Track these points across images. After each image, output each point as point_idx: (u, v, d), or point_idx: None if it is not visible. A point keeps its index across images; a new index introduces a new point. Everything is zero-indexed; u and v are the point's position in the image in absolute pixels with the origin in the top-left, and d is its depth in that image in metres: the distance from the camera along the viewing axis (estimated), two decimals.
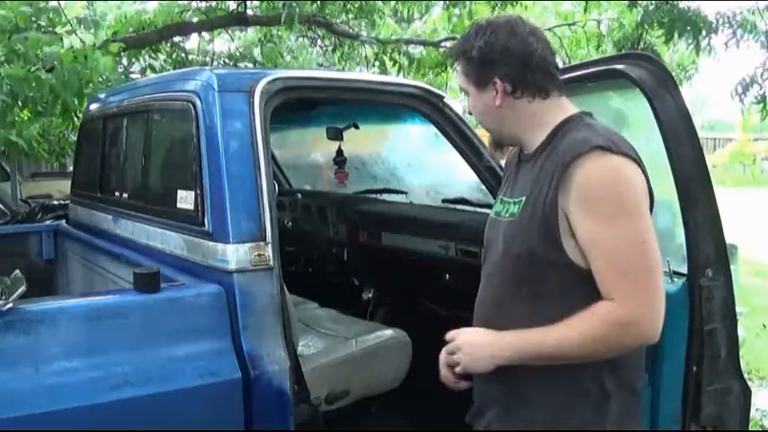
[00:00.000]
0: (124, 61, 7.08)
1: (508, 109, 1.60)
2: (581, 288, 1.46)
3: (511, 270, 1.56)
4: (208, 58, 8.78)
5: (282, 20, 6.10)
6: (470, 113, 1.72)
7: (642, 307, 1.42)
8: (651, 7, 6.34)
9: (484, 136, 2.58)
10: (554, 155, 1.52)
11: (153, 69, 7.30)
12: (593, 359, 1.48)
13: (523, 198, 1.56)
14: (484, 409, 1.66)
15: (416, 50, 9.14)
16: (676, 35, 6.13)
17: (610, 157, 1.45)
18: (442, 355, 1.65)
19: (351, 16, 7.92)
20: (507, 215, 1.61)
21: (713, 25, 6.06)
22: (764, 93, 5.45)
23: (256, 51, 9.34)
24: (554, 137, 1.56)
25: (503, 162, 2.09)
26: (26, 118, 5.83)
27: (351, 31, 8.59)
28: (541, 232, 1.49)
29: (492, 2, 6.96)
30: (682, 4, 6.19)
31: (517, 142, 1.67)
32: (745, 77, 5.43)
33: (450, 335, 1.63)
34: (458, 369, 1.60)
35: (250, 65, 9.10)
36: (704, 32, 6.06)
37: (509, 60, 1.56)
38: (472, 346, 1.57)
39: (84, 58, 3.99)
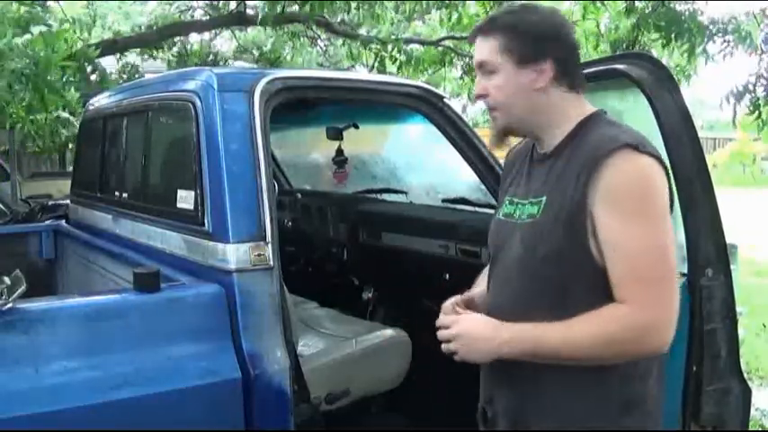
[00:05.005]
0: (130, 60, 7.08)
1: (544, 94, 1.51)
2: (605, 290, 1.41)
3: (534, 273, 1.49)
4: (211, 58, 8.79)
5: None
6: (480, 96, 1.56)
7: (660, 314, 1.38)
8: (648, 10, 6.30)
9: (484, 136, 2.58)
10: (579, 152, 1.46)
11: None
12: (598, 362, 1.42)
13: (543, 198, 1.49)
14: (495, 417, 1.60)
15: (415, 47, 9.14)
16: (673, 38, 6.09)
17: (639, 156, 1.40)
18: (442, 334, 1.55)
19: (353, 6, 7.89)
20: (525, 216, 1.53)
21: (708, 32, 6.02)
22: (758, 101, 5.35)
23: (256, 52, 9.35)
24: (576, 133, 1.51)
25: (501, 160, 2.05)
26: (22, 113, 5.79)
27: (350, 30, 8.59)
28: (568, 233, 1.43)
29: (488, 1, 6.93)
30: (678, 7, 6.15)
31: (532, 134, 1.57)
32: (738, 86, 5.34)
33: (447, 320, 1.55)
34: (455, 357, 1.52)
35: (250, 63, 9.11)
36: (699, 39, 6.02)
37: (563, 45, 1.51)
38: (471, 338, 1.50)
39: (57, 38, 3.93)
